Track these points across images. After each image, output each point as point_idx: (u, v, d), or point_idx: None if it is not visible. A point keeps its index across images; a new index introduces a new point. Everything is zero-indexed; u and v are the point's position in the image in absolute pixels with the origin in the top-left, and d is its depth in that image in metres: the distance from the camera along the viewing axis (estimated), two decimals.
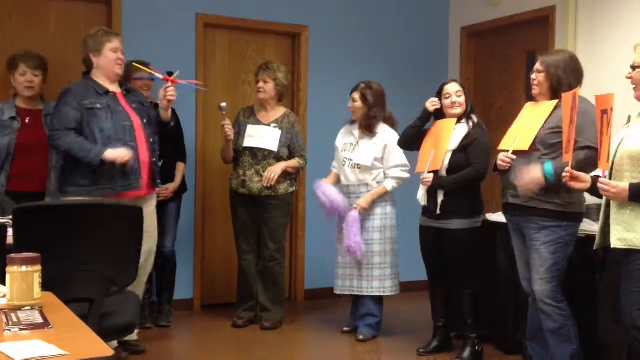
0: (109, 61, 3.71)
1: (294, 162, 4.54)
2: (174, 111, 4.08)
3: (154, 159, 3.80)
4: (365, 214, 4.32)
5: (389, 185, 4.32)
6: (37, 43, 4.64)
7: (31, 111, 4.00)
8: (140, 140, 3.70)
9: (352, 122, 4.47)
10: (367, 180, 4.33)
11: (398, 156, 4.33)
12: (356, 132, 4.40)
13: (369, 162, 4.30)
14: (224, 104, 4.40)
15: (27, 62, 3.98)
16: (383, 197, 4.34)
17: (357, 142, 4.36)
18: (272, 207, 4.49)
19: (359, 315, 4.44)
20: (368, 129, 4.33)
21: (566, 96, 3.15)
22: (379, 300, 4.39)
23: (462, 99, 4.02)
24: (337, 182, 4.48)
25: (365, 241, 4.29)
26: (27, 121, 3.95)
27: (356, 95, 4.38)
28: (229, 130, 4.40)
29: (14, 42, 4.58)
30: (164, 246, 4.50)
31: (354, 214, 4.26)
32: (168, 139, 4.13)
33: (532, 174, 3.23)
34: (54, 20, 4.71)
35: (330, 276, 4.54)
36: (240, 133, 4.52)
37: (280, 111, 4.59)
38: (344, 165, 4.39)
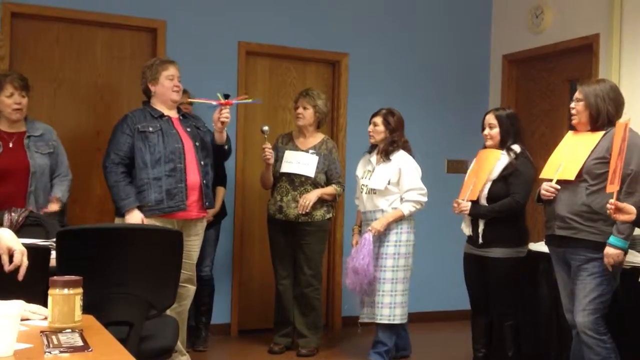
0: (165, 89, 3.86)
1: (331, 189, 4.54)
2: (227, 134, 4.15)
3: (205, 182, 3.89)
4: (380, 239, 4.25)
5: (406, 209, 4.24)
6: (83, 69, 4.78)
7: (14, 134, 3.78)
8: (190, 162, 3.82)
9: (370, 151, 4.45)
10: (382, 206, 4.27)
11: (413, 179, 4.27)
12: (373, 159, 4.38)
13: (382, 186, 4.25)
14: (266, 128, 4.43)
15: (13, 83, 3.73)
16: (399, 223, 4.27)
17: (374, 169, 4.34)
18: (308, 233, 4.49)
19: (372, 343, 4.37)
20: (386, 155, 4.30)
21: (619, 125, 3.10)
22: (389, 328, 4.29)
23: (495, 131, 3.98)
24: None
25: (378, 267, 4.24)
26: (10, 145, 3.74)
27: (378, 120, 4.37)
28: (269, 154, 4.43)
29: (61, 68, 4.72)
30: (202, 270, 4.53)
31: (367, 237, 4.20)
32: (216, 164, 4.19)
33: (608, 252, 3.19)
34: (100, 47, 4.83)
35: None
36: (278, 159, 4.54)
37: (318, 137, 4.61)
38: (362, 192, 4.37)
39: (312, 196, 4.43)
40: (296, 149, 4.56)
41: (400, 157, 4.30)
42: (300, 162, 4.49)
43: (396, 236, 4.27)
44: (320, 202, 4.49)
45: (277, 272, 4.64)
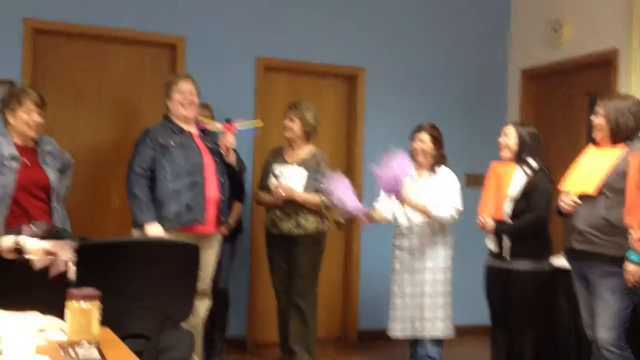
0: (174, 103, 3.93)
1: (314, 198, 4.33)
2: (238, 155, 4.17)
3: (222, 197, 3.91)
4: (429, 254, 4.24)
5: (437, 211, 4.18)
6: (104, 84, 4.84)
7: (28, 149, 3.66)
8: (209, 177, 3.86)
9: None
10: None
11: (455, 197, 4.26)
12: (414, 174, 4.33)
13: (432, 201, 4.22)
14: (278, 171, 4.38)
15: (33, 100, 3.66)
16: (446, 238, 4.27)
17: (418, 183, 4.30)
18: (301, 246, 4.36)
19: (417, 358, 4.34)
20: (432, 169, 4.30)
21: (635, 157, 3.08)
22: (439, 342, 4.27)
23: (512, 142, 3.97)
24: (377, 220, 4.35)
25: (430, 282, 4.23)
26: (26, 161, 3.61)
27: (425, 136, 4.31)
28: (279, 194, 4.32)
29: (82, 83, 4.78)
30: (218, 284, 4.52)
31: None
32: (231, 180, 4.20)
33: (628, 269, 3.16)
34: (120, 62, 4.90)
35: (386, 318, 4.45)
36: (267, 173, 4.49)
37: (307, 150, 4.48)
38: (404, 207, 4.30)
39: (290, 191, 4.28)
40: (284, 162, 4.45)
41: (446, 174, 4.31)
42: (286, 175, 4.37)
43: (444, 250, 4.26)
44: (313, 213, 4.36)
45: (276, 287, 4.54)
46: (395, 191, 4.10)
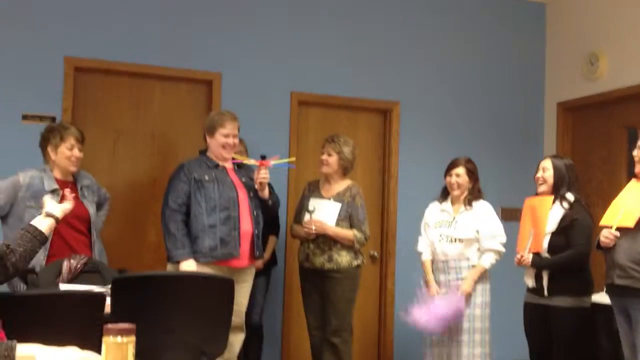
0: (216, 144, 3.96)
1: (347, 233, 4.32)
2: (272, 189, 4.18)
3: (257, 231, 3.93)
4: (453, 290, 4.17)
5: (487, 262, 4.18)
6: (141, 120, 4.93)
7: (67, 183, 3.73)
8: (243, 211, 3.89)
9: (443, 199, 4.40)
10: (468, 254, 4.21)
11: (496, 228, 4.23)
12: (449, 208, 4.33)
13: (472, 234, 4.20)
14: (312, 206, 4.39)
15: (76, 136, 3.75)
16: (483, 273, 4.22)
17: (454, 218, 4.28)
18: (335, 281, 4.32)
19: None
20: (469, 203, 4.28)
21: None
22: None
23: (548, 174, 3.93)
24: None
25: (467, 318, 4.17)
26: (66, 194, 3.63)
27: (461, 171, 4.31)
28: (310, 231, 4.34)
29: (120, 118, 4.88)
30: (252, 318, 4.52)
31: (460, 297, 4.11)
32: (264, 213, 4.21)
33: None
34: (157, 98, 4.99)
35: (422, 354, 4.38)
36: (303, 206, 4.49)
37: (343, 184, 4.46)
38: (439, 241, 4.28)
39: (322, 225, 4.29)
40: (320, 196, 4.45)
41: (483, 205, 4.30)
42: (321, 210, 4.37)
43: (482, 285, 4.20)
44: (346, 248, 4.34)
45: (309, 322, 4.50)
46: (459, 312, 4.10)
